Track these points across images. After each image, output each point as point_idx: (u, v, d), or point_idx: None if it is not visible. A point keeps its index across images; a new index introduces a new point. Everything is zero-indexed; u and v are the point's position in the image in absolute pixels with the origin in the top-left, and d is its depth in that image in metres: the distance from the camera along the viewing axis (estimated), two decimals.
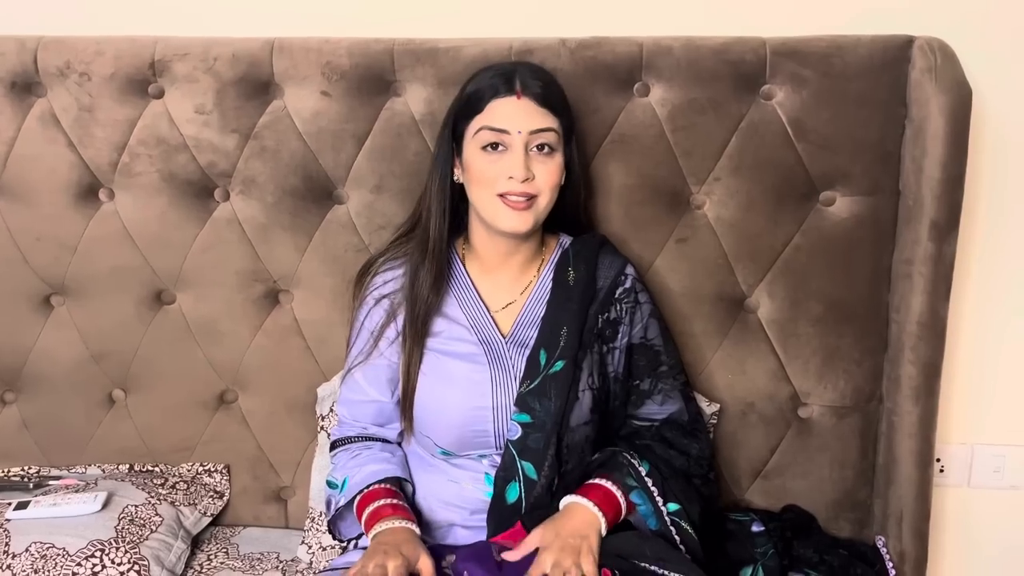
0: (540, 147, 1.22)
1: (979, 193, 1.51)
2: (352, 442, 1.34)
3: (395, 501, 1.24)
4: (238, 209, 1.49)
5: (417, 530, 1.21)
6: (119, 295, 1.52)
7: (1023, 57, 1.50)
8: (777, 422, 1.51)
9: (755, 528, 1.41)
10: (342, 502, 1.29)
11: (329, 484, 1.33)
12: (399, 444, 1.35)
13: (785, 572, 1.40)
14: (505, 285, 1.32)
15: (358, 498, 1.26)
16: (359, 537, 1.33)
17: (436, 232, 1.27)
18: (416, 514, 1.26)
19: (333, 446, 1.36)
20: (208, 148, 1.47)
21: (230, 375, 1.54)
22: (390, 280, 1.31)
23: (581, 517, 1.19)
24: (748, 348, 1.50)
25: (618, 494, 1.22)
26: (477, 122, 1.23)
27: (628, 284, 1.32)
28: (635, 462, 1.24)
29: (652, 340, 1.33)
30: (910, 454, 1.45)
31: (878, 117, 1.42)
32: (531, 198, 1.22)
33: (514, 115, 1.21)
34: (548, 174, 1.23)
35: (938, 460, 1.59)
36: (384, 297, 1.30)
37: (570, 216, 1.34)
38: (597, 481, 1.23)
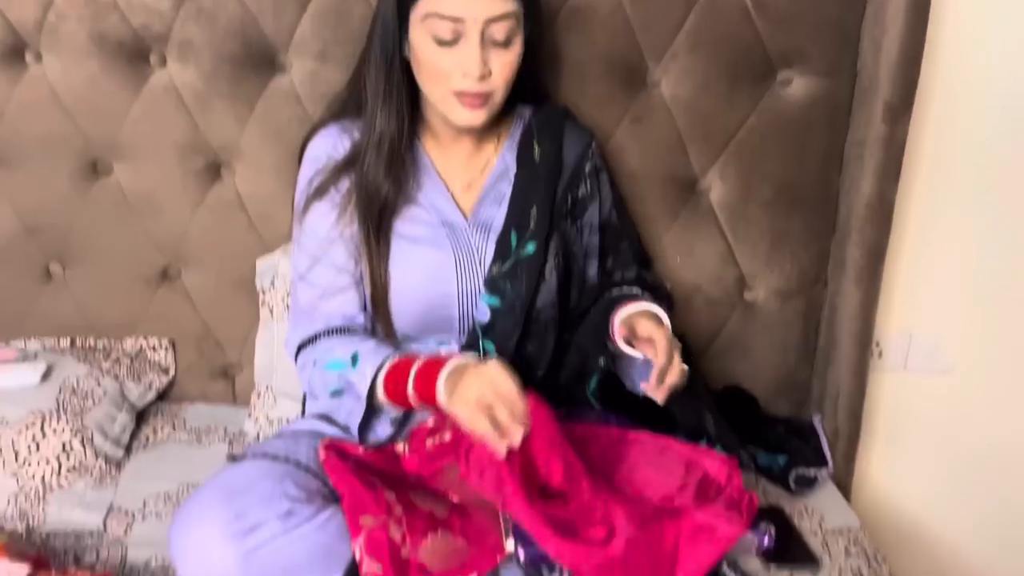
0: (497, 41, 1.10)
1: (935, 74, 1.49)
2: (330, 334, 1.20)
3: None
4: (175, 75, 1.42)
5: None
6: (52, 165, 1.45)
7: None
8: (723, 305, 1.53)
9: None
10: (369, 374, 1.12)
11: (332, 366, 1.16)
12: None
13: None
14: (463, 162, 1.25)
15: (388, 364, 1.12)
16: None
17: (392, 128, 1.16)
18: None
19: (301, 348, 1.22)
20: (140, 8, 1.38)
21: (172, 250, 1.50)
22: (329, 147, 1.22)
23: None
24: (698, 231, 1.50)
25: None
26: (425, 5, 1.09)
27: (595, 161, 1.28)
28: (643, 293, 1.25)
29: (613, 218, 1.32)
30: (850, 336, 1.48)
31: None
32: (487, 94, 1.13)
33: (468, 1, 1.08)
34: (505, 67, 1.13)
35: (877, 345, 1.64)
36: (331, 186, 1.20)
37: (528, 85, 1.25)
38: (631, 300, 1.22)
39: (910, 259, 1.60)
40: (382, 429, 1.20)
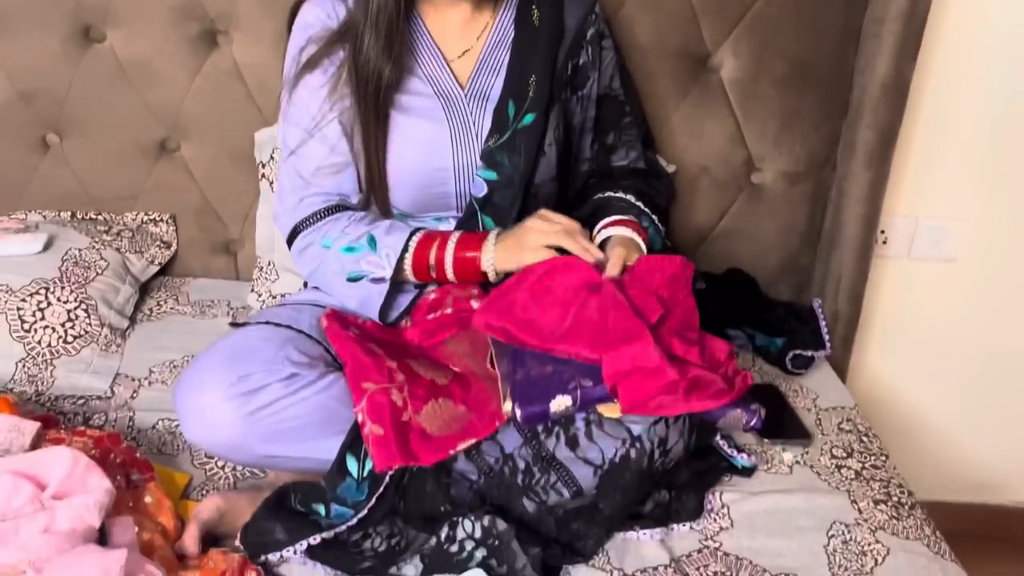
0: None
1: None
2: (329, 213, 1.18)
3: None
4: None
5: None
6: (42, 30, 1.41)
7: None
8: (729, 186, 1.51)
9: (696, 286, 1.44)
10: (393, 257, 1.13)
11: (348, 250, 1.14)
12: None
13: (722, 328, 1.46)
14: (459, 28, 1.19)
15: (414, 242, 1.14)
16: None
17: (390, 1, 1.10)
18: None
19: (297, 231, 1.18)
20: None
21: (170, 122, 1.47)
22: (322, 14, 1.16)
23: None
24: (708, 110, 1.47)
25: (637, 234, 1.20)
26: None
27: (598, 26, 1.23)
28: (636, 202, 1.23)
29: (616, 90, 1.27)
30: (856, 219, 1.47)
31: None
32: None
33: None
34: None
35: (882, 232, 1.62)
36: (324, 57, 1.14)
37: None
38: (617, 222, 1.20)
39: (921, 143, 1.57)
40: (399, 305, 1.20)
